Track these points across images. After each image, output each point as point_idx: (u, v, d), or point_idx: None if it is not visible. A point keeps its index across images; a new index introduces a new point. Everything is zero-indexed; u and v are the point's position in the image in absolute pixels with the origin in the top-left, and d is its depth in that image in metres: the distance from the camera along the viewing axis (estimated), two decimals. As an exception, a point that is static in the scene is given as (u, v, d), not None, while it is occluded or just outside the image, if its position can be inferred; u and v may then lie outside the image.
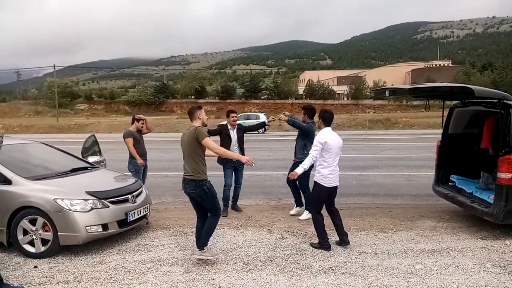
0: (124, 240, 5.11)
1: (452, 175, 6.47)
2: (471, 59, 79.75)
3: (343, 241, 4.85)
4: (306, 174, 5.72)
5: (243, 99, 55.35)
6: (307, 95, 55.52)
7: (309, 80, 63.10)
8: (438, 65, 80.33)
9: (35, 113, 53.74)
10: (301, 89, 61.09)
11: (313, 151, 4.68)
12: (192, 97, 56.95)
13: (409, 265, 4.27)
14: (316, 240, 4.91)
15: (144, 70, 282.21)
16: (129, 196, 5.12)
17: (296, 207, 6.44)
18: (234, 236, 5.30)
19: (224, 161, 6.45)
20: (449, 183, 6.45)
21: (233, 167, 6.51)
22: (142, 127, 6.92)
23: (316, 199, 4.84)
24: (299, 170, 4.73)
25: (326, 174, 4.70)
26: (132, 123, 6.90)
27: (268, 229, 5.58)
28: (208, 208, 4.32)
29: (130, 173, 6.52)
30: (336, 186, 4.89)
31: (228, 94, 55.09)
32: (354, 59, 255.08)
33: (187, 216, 6.16)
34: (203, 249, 4.30)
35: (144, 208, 5.33)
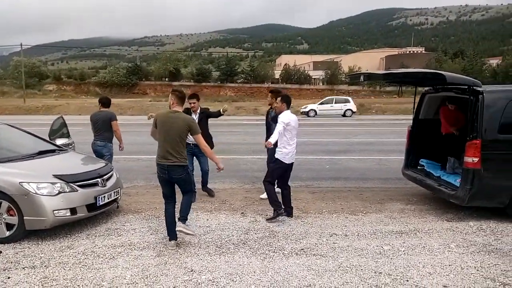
0: (94, 225, 5.00)
1: (421, 159, 6.65)
2: (443, 46, 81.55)
3: (288, 213, 5.39)
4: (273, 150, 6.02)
5: (219, 82, 54.80)
6: (283, 79, 55.50)
7: (285, 64, 62.96)
8: (412, 52, 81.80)
9: (0, 94, 51.36)
10: (277, 73, 60.95)
11: (279, 127, 5.08)
12: (166, 79, 55.87)
13: (377, 246, 4.39)
14: (270, 214, 5.29)
15: (116, 50, 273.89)
16: (98, 179, 4.99)
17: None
18: (207, 220, 5.28)
19: None
20: (418, 167, 6.64)
21: (191, 153, 6.17)
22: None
23: (273, 171, 5.32)
24: (272, 140, 5.07)
25: (287, 152, 5.19)
26: (109, 106, 6.59)
27: (242, 213, 5.59)
28: (185, 190, 4.43)
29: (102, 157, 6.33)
30: (293, 163, 5.38)
31: (204, 77, 54.32)
32: (330, 44, 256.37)
33: (159, 200, 6.01)
34: (185, 223, 4.39)
35: (114, 192, 5.21)
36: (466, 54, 54.91)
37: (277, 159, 5.27)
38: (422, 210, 5.80)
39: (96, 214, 5.00)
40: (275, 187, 6.41)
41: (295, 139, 5.29)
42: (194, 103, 6.18)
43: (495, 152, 4.94)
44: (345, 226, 5.08)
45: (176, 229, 4.32)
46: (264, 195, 6.36)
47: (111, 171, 5.43)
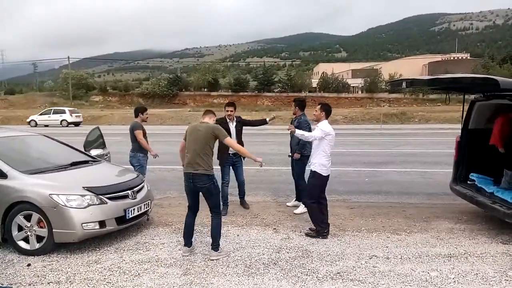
0: (123, 238, 4.92)
1: (471, 173, 6.08)
2: (490, 51, 77.48)
3: (327, 231, 5.03)
4: (304, 165, 6.08)
5: (256, 92, 54.91)
6: (321, 88, 54.71)
7: (323, 73, 62.21)
8: (456, 58, 78.22)
9: (50, 105, 54.26)
10: (315, 82, 60.26)
11: (316, 133, 4.89)
12: (205, 89, 56.78)
13: (423, 271, 3.96)
14: (304, 231, 5.08)
15: (158, 62, 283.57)
16: (129, 191, 4.91)
17: (295, 200, 6.44)
18: (238, 235, 5.05)
19: (222, 158, 6.18)
20: (468, 182, 6.07)
21: (231, 164, 6.23)
22: (147, 118, 6.67)
23: (313, 188, 4.99)
24: (299, 131, 4.94)
25: (325, 164, 4.90)
26: (136, 115, 6.63)
27: (274, 228, 5.31)
28: (212, 205, 4.35)
29: (132, 168, 6.31)
30: (329, 175, 5.04)
31: (241, 87, 54.67)
32: (369, 51, 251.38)
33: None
34: (219, 250, 4.33)
35: (145, 204, 5.12)
36: (516, 59, 51.63)
37: (315, 172, 4.94)
38: (473, 230, 5.25)
39: (126, 227, 4.91)
40: (295, 200, 6.28)
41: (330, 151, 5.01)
42: (231, 111, 6.19)
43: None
44: (387, 247, 4.66)
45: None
46: (299, 210, 6.10)
47: (142, 182, 5.35)
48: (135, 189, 5.05)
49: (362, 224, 5.55)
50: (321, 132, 4.83)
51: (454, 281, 3.72)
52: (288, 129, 5.06)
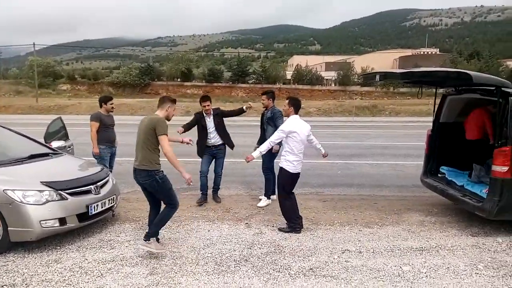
0: (86, 236, 4.64)
1: (442, 166, 6.14)
2: (458, 47, 79.66)
3: (300, 225, 4.91)
4: (272, 157, 5.97)
5: (230, 83, 54.43)
6: (295, 80, 54.87)
7: (297, 65, 62.26)
8: (426, 53, 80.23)
9: (15, 93, 51.83)
10: (289, 74, 60.35)
11: (274, 138, 4.75)
12: (179, 79, 55.73)
13: (395, 266, 3.93)
14: (284, 225, 4.92)
15: (129, 51, 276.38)
16: (92, 186, 4.64)
17: (266, 199, 6.21)
18: (209, 230, 4.88)
19: (202, 150, 6.07)
20: (439, 175, 6.13)
21: (211, 154, 6.14)
22: (112, 108, 6.33)
23: (281, 184, 4.85)
24: (256, 153, 4.76)
25: (291, 160, 4.74)
26: (100, 105, 6.31)
27: (246, 223, 5.18)
28: (163, 200, 4.14)
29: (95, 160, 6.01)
30: (299, 173, 4.89)
31: (215, 78, 54.01)
32: (343, 45, 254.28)
33: (159, 207, 5.71)
34: (149, 240, 4.03)
35: (109, 200, 4.85)
36: (482, 55, 53.38)
37: (281, 168, 4.82)
38: (443, 223, 5.31)
39: (89, 224, 4.64)
40: (268, 197, 6.14)
41: (302, 149, 4.80)
42: (208, 105, 5.98)
43: (528, 161, 4.42)
44: (359, 240, 4.62)
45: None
46: (262, 203, 6.05)
47: (106, 176, 5.07)
48: (98, 183, 4.77)
49: (335, 218, 5.50)
50: (280, 133, 4.68)
51: (426, 276, 3.71)
52: (247, 160, 4.73)
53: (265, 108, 6.12)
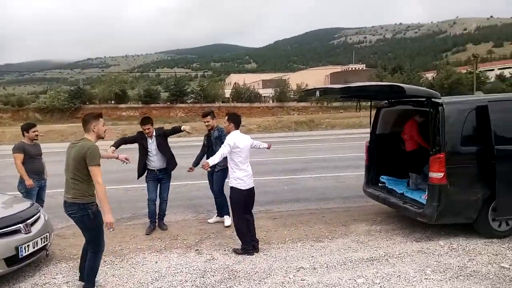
0: (17, 281, 4.12)
1: (381, 176, 6.41)
2: (382, 62, 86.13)
3: (254, 247, 4.78)
4: (224, 177, 5.84)
5: (168, 103, 53.44)
6: (234, 98, 55.34)
7: (235, 83, 63.02)
8: (354, 69, 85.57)
9: None
10: (227, 93, 60.77)
11: (223, 149, 4.61)
12: (112, 102, 53.57)
13: (350, 279, 3.95)
14: (239, 245, 4.79)
15: (57, 74, 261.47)
16: (21, 225, 4.15)
17: (216, 216, 6.12)
18: (157, 262, 4.57)
19: (142, 174, 5.79)
20: (379, 184, 6.38)
21: (156, 179, 5.81)
22: (36, 136, 5.77)
23: (235, 204, 4.75)
24: (210, 161, 4.54)
25: (241, 177, 4.67)
26: (23, 134, 5.73)
27: (197, 249, 4.95)
28: (87, 239, 3.72)
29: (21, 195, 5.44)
30: (253, 188, 4.82)
31: (152, 98, 52.65)
32: (277, 62, 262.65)
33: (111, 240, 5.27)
34: None
35: (42, 238, 4.37)
36: (404, 69, 58.06)
37: (232, 187, 4.74)
38: (388, 231, 5.50)
39: (20, 267, 4.12)
40: (217, 215, 6.03)
41: (247, 162, 4.76)
42: (148, 128, 5.64)
43: (459, 166, 4.75)
44: (312, 256, 4.61)
45: None
46: (228, 222, 5.90)
47: (37, 212, 4.58)
48: (28, 221, 4.29)
49: (286, 235, 5.46)
50: (227, 146, 4.57)
51: (380, 286, 3.76)
52: (203, 167, 4.56)
53: (210, 129, 5.96)
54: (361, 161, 6.53)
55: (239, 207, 4.73)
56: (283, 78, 74.85)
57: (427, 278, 3.88)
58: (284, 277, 4.05)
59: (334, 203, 7.32)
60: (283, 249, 4.89)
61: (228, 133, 4.83)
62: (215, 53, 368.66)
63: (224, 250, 4.86)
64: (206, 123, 5.94)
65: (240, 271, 4.23)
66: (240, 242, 4.81)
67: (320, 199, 7.65)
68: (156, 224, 5.88)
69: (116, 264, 4.54)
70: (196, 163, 6.07)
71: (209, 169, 4.63)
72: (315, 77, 72.93)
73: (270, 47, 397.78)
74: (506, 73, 55.08)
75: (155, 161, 5.73)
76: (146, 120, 5.72)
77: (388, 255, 4.57)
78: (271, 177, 9.96)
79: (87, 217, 3.59)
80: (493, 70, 64.83)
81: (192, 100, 54.70)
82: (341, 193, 8.06)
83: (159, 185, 5.87)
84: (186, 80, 71.30)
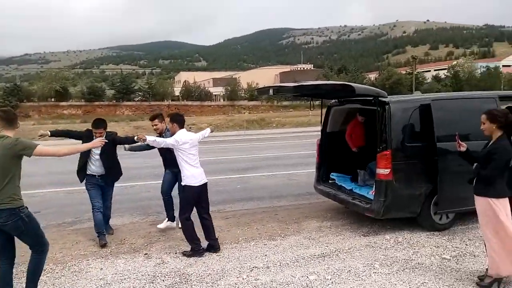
0: None
1: (332, 173, 6.55)
2: (329, 63, 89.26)
3: (213, 247, 4.73)
4: (173, 180, 5.57)
5: (114, 101, 51.40)
6: (184, 96, 54.46)
7: (185, 81, 62.01)
8: (302, 69, 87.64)
9: None
10: (177, 91, 59.62)
11: (169, 140, 4.54)
12: (53, 99, 50.54)
13: (303, 276, 3.97)
14: (188, 247, 4.67)
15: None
16: None
17: (167, 221, 5.71)
18: (102, 269, 4.30)
19: (84, 177, 5.22)
20: (330, 181, 6.52)
21: (97, 185, 5.23)
22: None
23: (186, 203, 4.65)
24: (150, 138, 4.42)
25: (193, 173, 4.59)
26: None
27: (146, 254, 4.72)
28: (30, 243, 3.41)
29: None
30: (206, 184, 4.72)
31: (96, 96, 50.43)
32: (228, 61, 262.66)
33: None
34: None
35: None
36: (349, 69, 60.52)
37: (184, 186, 4.63)
38: (338, 226, 5.62)
39: None
40: (167, 220, 5.72)
41: (197, 159, 4.71)
42: (101, 133, 4.99)
43: (404, 162, 4.95)
44: (265, 255, 4.58)
45: None
46: (162, 225, 5.63)
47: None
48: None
49: (239, 234, 5.39)
50: (174, 140, 4.48)
51: (332, 282, 3.82)
52: (138, 138, 4.48)
53: (160, 133, 5.53)
54: (311, 159, 6.64)
55: (190, 205, 4.64)
56: (234, 76, 74.84)
57: (375, 272, 4.00)
58: (237, 277, 3.98)
59: (286, 200, 7.38)
60: (237, 249, 4.81)
61: (174, 133, 4.70)
62: (163, 50, 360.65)
63: (175, 253, 4.69)
64: (155, 127, 5.53)
65: (192, 274, 4.10)
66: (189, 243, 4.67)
67: (272, 197, 7.68)
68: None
69: (56, 272, 4.22)
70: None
71: (144, 140, 4.38)
72: (265, 76, 73.72)
73: (220, 45, 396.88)
74: (441, 74, 59.21)
75: (94, 165, 5.17)
76: (100, 124, 5.07)
77: (339, 250, 4.66)
78: (223, 176, 9.85)
79: (21, 221, 3.24)
80: (429, 71, 69.47)
81: (139, 98, 53.07)
82: (293, 190, 8.14)
83: (102, 191, 5.31)
84: (133, 77, 69.08)
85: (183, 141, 4.50)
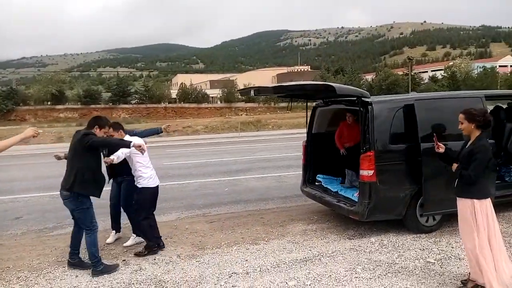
0: None
1: (318, 175, 6.45)
2: (326, 64, 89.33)
3: (158, 244, 4.85)
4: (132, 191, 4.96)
5: (111, 104, 51.18)
6: (181, 98, 54.30)
7: (182, 83, 61.80)
8: (299, 70, 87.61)
9: None
10: (174, 93, 59.47)
11: (136, 142, 4.39)
12: (49, 103, 50.29)
13: (282, 282, 3.86)
14: (140, 248, 4.79)
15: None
16: None
17: (115, 233, 5.38)
18: (77, 276, 4.18)
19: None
20: (316, 183, 6.41)
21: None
22: None
23: (142, 204, 4.74)
24: (114, 156, 4.41)
25: (149, 175, 4.71)
26: None
27: (124, 260, 4.61)
28: None
29: None
30: (158, 186, 4.87)
31: (93, 99, 50.17)
32: (225, 63, 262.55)
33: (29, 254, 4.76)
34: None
35: None
36: (346, 71, 60.50)
37: (141, 188, 4.69)
38: (323, 229, 5.51)
39: None
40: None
41: (149, 160, 4.80)
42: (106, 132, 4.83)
43: (388, 163, 4.85)
44: (246, 260, 4.47)
45: None
46: (130, 242, 5.12)
47: None
48: None
49: (222, 239, 5.28)
50: (141, 141, 4.56)
51: (311, 287, 3.70)
52: (106, 162, 4.45)
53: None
54: (301, 161, 6.53)
55: (148, 207, 4.78)
56: (230, 78, 74.77)
57: (357, 277, 3.89)
58: (215, 284, 3.87)
59: (274, 203, 7.26)
60: (218, 254, 4.70)
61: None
62: (161, 52, 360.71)
63: (154, 259, 4.57)
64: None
65: (168, 281, 3.98)
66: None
67: (260, 199, 7.56)
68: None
69: (31, 280, 4.11)
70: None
71: (111, 161, 4.36)
72: (262, 78, 73.72)
73: (218, 47, 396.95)
74: (438, 74, 59.21)
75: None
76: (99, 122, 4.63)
77: (322, 254, 4.55)
78: (212, 179, 9.74)
79: None
80: (426, 72, 69.54)
81: (136, 100, 52.86)
82: (281, 193, 8.03)
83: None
84: (130, 80, 68.88)
85: (141, 142, 4.53)
